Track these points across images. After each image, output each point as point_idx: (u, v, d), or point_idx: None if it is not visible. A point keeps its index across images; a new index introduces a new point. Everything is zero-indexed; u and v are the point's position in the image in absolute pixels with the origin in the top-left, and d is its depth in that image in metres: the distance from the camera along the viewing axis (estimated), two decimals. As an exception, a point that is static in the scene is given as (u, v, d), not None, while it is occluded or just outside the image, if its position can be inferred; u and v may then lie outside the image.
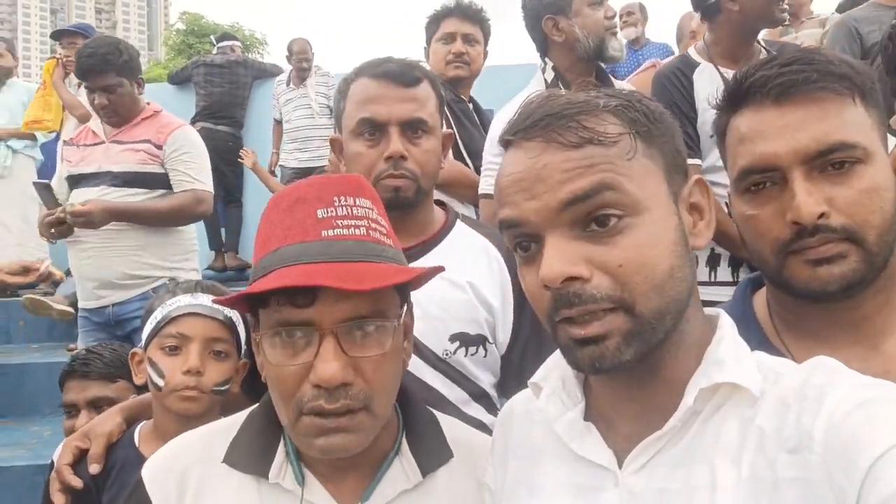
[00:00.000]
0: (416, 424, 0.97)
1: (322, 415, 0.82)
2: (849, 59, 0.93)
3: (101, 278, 2.66)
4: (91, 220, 2.50)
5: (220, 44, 6.22)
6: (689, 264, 0.73)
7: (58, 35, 4.88)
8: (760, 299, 1.03)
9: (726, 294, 2.04)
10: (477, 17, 2.57)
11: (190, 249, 2.83)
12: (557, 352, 0.82)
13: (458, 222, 1.41)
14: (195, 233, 2.91)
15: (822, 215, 0.87)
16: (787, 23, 3.01)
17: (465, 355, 1.30)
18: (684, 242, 0.72)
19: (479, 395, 1.33)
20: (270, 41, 27.58)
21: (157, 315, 1.41)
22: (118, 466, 1.41)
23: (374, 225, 0.88)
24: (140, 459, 1.36)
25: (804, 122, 0.89)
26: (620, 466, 0.73)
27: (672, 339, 0.71)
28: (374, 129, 1.30)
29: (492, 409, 1.34)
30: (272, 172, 5.40)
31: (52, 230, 2.53)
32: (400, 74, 1.31)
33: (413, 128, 1.31)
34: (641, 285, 0.68)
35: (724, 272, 2.08)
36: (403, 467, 0.93)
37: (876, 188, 0.88)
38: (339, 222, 0.85)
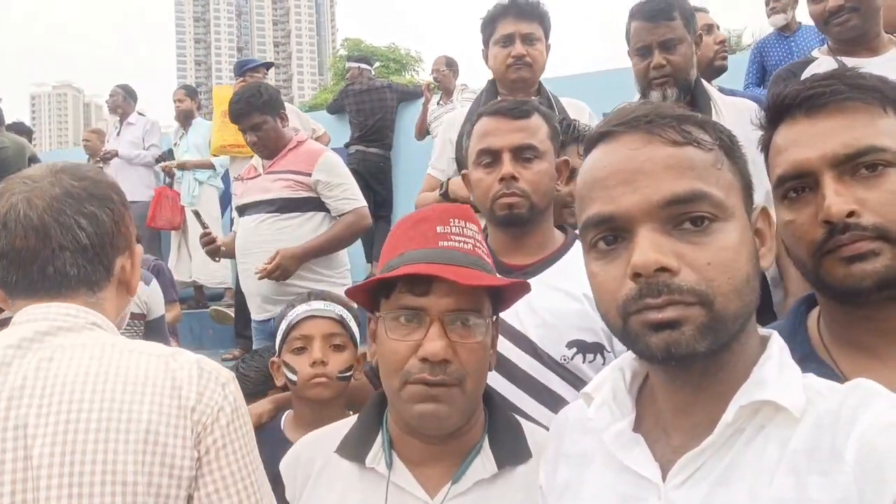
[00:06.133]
0: (498, 426, 1.12)
1: (424, 384, 1.01)
2: (881, 77, 0.94)
3: (264, 294, 3.01)
4: (286, 269, 2.87)
5: (349, 63, 6.72)
6: (758, 280, 0.76)
7: (241, 71, 5.23)
8: (814, 317, 1.04)
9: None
10: (535, 14, 2.36)
11: (342, 265, 3.10)
12: (611, 364, 0.90)
13: (577, 242, 1.51)
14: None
15: (851, 214, 0.89)
16: None
17: (584, 362, 1.41)
18: (756, 258, 0.77)
19: None
20: (426, 58, 28.62)
21: (283, 326, 1.71)
22: (267, 445, 1.70)
23: (479, 244, 1.11)
24: (282, 439, 1.66)
25: (833, 130, 0.92)
26: (665, 480, 0.75)
27: (732, 348, 0.74)
28: (490, 157, 1.50)
29: None
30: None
31: (206, 246, 3.06)
32: (511, 109, 1.51)
33: (523, 153, 1.49)
34: (724, 285, 0.71)
35: None
36: (483, 461, 1.08)
37: None
38: (453, 237, 1.08)
